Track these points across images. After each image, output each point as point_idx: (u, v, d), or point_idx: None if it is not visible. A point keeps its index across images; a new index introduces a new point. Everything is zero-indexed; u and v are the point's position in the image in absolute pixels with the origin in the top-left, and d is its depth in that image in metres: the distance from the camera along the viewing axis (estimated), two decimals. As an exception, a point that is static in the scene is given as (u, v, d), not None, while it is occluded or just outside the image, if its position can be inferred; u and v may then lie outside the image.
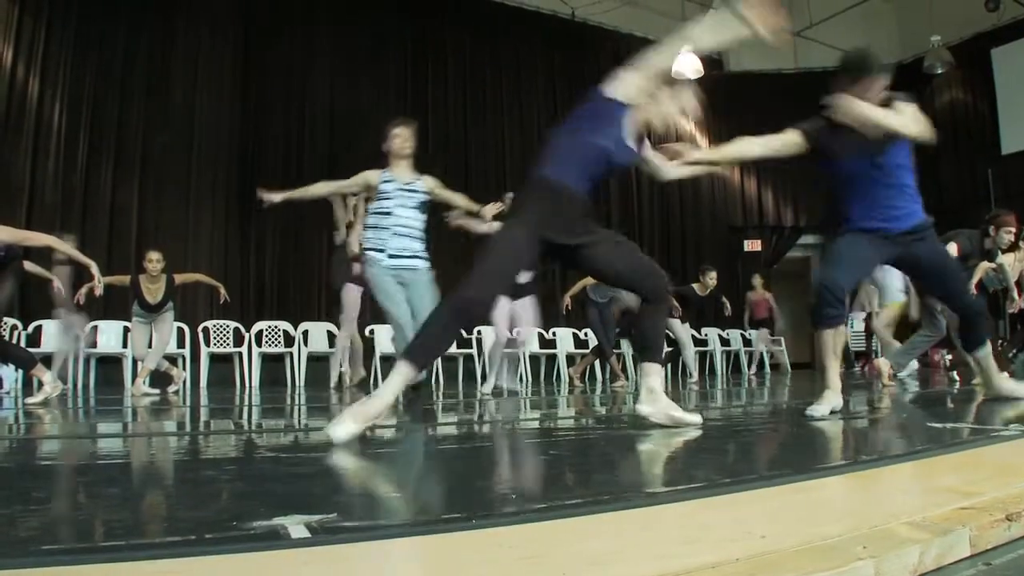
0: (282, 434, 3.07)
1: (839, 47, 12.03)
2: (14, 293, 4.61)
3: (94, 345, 7.00)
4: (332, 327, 7.65)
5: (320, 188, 4.12)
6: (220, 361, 7.54)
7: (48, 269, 5.37)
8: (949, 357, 7.47)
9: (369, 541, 0.99)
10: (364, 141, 9.61)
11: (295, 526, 1.03)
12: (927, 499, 1.26)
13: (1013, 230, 5.19)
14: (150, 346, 6.10)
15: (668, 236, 11.84)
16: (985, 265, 5.42)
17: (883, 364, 5.32)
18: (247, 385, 6.51)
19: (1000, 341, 6.29)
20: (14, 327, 6.49)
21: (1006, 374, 5.67)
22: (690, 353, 7.65)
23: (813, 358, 10.34)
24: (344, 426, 2.07)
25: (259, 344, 7.54)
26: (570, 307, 6.82)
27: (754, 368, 9.51)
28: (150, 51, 8.57)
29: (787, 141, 3.01)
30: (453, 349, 7.46)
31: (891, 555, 0.91)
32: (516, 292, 5.46)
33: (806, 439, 2.36)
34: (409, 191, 3.92)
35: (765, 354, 9.82)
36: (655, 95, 2.48)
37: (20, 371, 5.75)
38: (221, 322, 7.64)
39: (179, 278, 6.01)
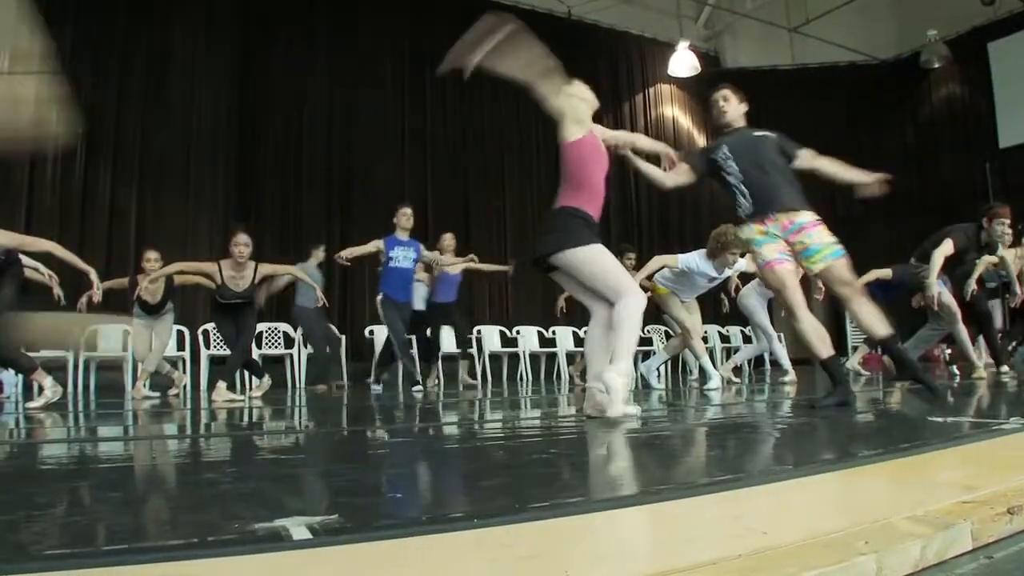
0: (283, 436, 3.07)
1: (836, 43, 12.09)
2: (14, 298, 4.60)
3: (94, 349, 7.00)
4: (332, 328, 7.66)
5: None
6: (220, 364, 7.53)
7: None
8: (949, 352, 7.48)
9: (371, 542, 0.99)
10: (362, 142, 9.68)
11: (297, 528, 1.03)
12: (928, 493, 1.26)
13: (1007, 222, 5.20)
14: (151, 348, 6.10)
15: (667, 233, 11.83)
16: (988, 259, 5.43)
17: None
18: (247, 387, 6.50)
19: (1000, 335, 6.30)
20: (14, 332, 6.48)
21: (1006, 367, 5.70)
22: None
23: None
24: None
25: (259, 346, 7.53)
26: (564, 309, 6.79)
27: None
28: (148, 53, 8.56)
29: None
30: (453, 349, 7.44)
31: (893, 550, 0.91)
32: None
33: (806, 434, 2.36)
34: None
35: None
36: None
37: (20, 376, 5.74)
38: (221, 324, 7.63)
39: (179, 279, 6.00)
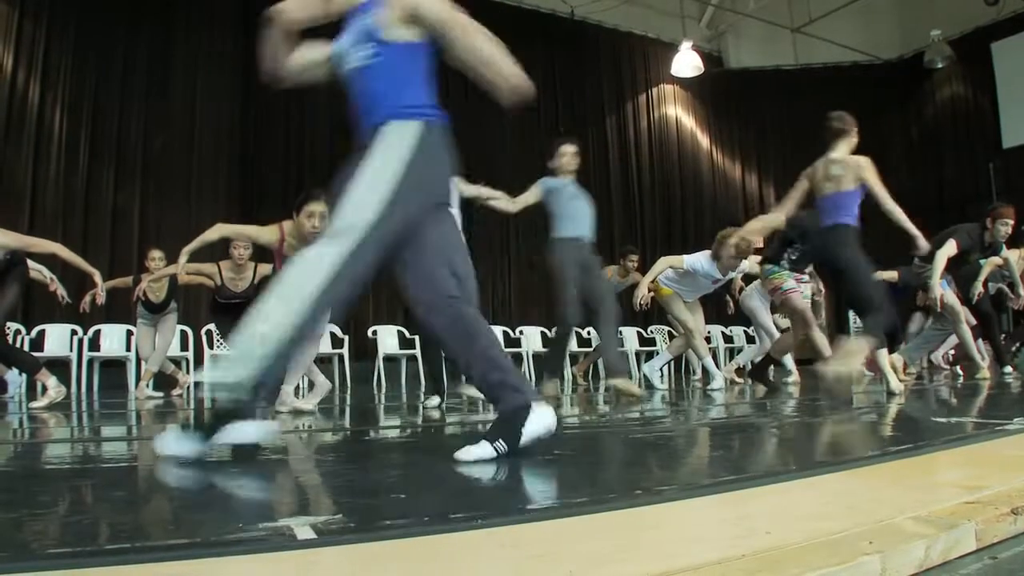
0: (286, 435, 3.07)
1: (839, 43, 12.06)
2: (18, 298, 4.61)
3: (97, 349, 7.01)
4: (335, 328, 7.65)
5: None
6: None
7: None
8: (952, 352, 7.47)
9: (375, 542, 0.99)
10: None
11: (301, 527, 1.03)
12: (932, 494, 1.26)
13: (1010, 222, 5.19)
14: (154, 348, 6.11)
15: (669, 232, 11.83)
16: (994, 261, 5.42)
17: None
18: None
19: (1003, 336, 6.28)
20: (17, 331, 6.50)
21: (1009, 368, 5.69)
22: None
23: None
24: None
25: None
26: None
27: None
28: (150, 53, 8.57)
29: None
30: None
31: (897, 550, 0.91)
32: None
33: (809, 435, 2.36)
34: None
35: None
36: None
37: (24, 375, 5.75)
38: (224, 324, 7.63)
39: (182, 279, 5.99)
